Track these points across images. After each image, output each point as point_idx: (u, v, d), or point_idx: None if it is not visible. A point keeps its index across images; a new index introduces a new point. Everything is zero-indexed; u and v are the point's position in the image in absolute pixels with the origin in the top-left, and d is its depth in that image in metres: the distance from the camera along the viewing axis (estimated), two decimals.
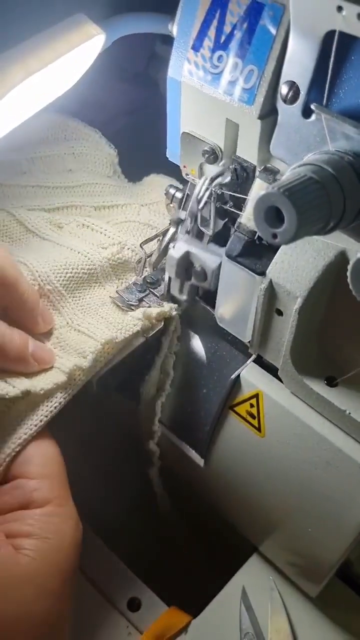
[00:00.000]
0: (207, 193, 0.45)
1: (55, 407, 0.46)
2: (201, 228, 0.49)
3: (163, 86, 0.75)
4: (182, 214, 0.51)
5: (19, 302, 0.46)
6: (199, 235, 0.50)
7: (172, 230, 0.54)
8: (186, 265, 0.50)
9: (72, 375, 0.47)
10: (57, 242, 0.54)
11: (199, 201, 0.45)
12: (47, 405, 0.46)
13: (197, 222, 0.49)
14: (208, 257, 0.49)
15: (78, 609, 0.56)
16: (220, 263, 0.48)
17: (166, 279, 0.52)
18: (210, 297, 0.55)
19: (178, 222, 0.51)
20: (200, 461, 0.56)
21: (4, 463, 0.44)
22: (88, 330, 0.49)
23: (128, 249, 0.55)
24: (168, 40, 0.68)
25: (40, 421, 0.45)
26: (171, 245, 0.51)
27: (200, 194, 0.45)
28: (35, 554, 0.40)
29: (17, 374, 0.46)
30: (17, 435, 0.44)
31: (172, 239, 0.53)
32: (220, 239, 0.49)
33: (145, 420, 0.58)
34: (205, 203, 0.46)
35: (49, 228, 0.56)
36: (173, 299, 0.55)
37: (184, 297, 0.52)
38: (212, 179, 0.44)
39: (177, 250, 0.50)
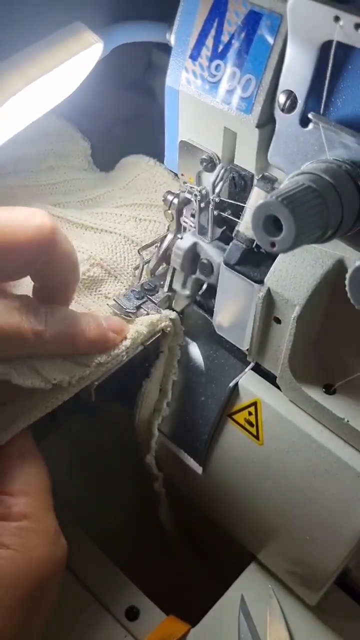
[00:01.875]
0: (217, 188, 0.45)
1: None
2: (199, 236, 0.49)
3: (160, 94, 0.75)
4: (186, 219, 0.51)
5: (86, 343, 0.46)
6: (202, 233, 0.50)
7: (169, 236, 0.54)
8: (192, 257, 0.50)
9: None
10: None
11: (214, 187, 0.45)
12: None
13: (197, 225, 0.49)
14: (215, 250, 0.49)
15: (76, 618, 0.57)
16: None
17: (169, 271, 0.52)
18: (207, 305, 0.55)
19: (186, 201, 0.50)
20: (198, 469, 0.56)
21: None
22: None
23: (97, 264, 0.55)
24: (165, 48, 0.69)
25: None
26: (179, 235, 0.51)
27: (212, 187, 0.45)
28: (4, 564, 0.40)
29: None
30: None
31: (171, 245, 0.53)
32: (224, 237, 0.50)
33: (142, 437, 0.58)
34: (206, 206, 0.46)
35: None
36: (170, 307, 0.55)
37: (186, 291, 0.52)
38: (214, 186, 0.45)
39: (185, 241, 0.50)
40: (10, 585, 0.40)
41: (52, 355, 0.45)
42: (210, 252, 0.49)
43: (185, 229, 0.51)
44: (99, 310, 0.53)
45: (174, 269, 0.52)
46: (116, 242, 0.56)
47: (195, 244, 0.50)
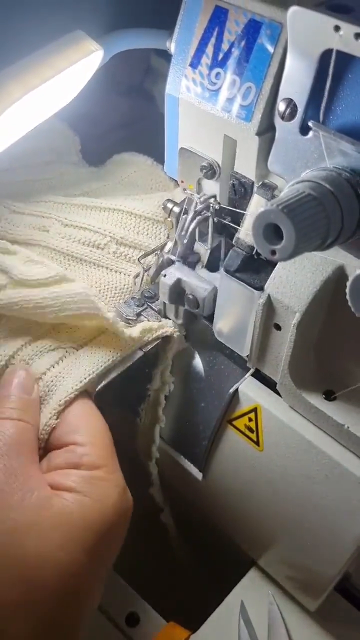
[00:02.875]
0: (217, 195, 0.46)
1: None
2: (199, 243, 0.49)
3: (159, 99, 0.76)
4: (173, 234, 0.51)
5: None
6: (190, 264, 0.51)
7: (169, 244, 0.54)
8: (179, 291, 0.50)
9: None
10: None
11: (209, 199, 0.46)
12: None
13: (196, 233, 0.49)
14: (199, 285, 0.49)
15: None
16: (211, 290, 0.48)
17: (160, 303, 0.52)
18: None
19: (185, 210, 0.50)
20: (198, 475, 0.56)
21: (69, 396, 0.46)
22: None
23: (122, 244, 0.56)
24: (164, 53, 0.69)
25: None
26: (162, 273, 0.51)
27: (212, 194, 0.46)
28: (71, 505, 0.41)
29: None
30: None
31: (170, 252, 0.53)
32: (211, 265, 0.50)
33: (143, 443, 0.58)
34: (198, 221, 0.46)
35: (36, 234, 0.56)
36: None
37: (179, 321, 0.53)
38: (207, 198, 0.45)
39: (168, 278, 0.50)
40: (85, 529, 0.41)
41: None
42: (194, 287, 0.49)
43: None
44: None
45: (164, 302, 0.52)
46: (126, 218, 0.57)
47: (179, 280, 0.50)
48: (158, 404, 0.56)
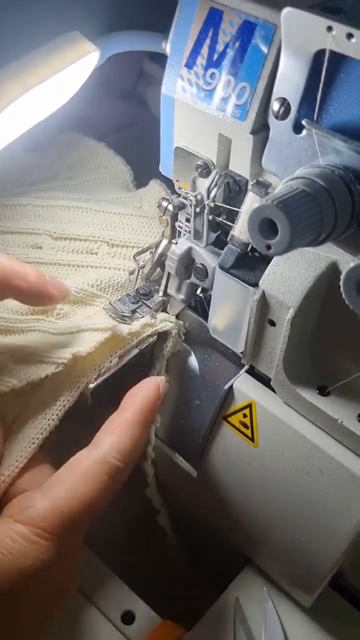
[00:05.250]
0: (211, 194, 0.46)
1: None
2: (194, 241, 0.50)
3: (151, 103, 0.77)
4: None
5: (25, 283, 0.46)
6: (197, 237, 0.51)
7: (164, 242, 0.54)
8: (187, 262, 0.51)
9: (115, 332, 0.50)
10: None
11: (209, 192, 0.46)
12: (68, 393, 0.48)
13: (192, 230, 0.49)
14: (210, 255, 0.50)
15: (72, 622, 0.57)
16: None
17: (164, 276, 0.53)
18: (202, 308, 0.56)
19: (181, 206, 0.51)
20: (193, 472, 0.57)
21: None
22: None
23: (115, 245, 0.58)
24: (156, 57, 0.70)
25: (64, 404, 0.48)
26: (174, 241, 0.51)
27: (207, 192, 0.46)
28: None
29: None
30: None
31: (165, 250, 0.54)
32: (218, 243, 0.50)
33: None
34: (200, 211, 0.47)
35: (31, 252, 0.57)
36: (165, 311, 0.56)
37: (181, 296, 0.53)
38: (208, 191, 0.46)
39: (179, 246, 0.50)
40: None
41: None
42: (205, 256, 0.50)
43: (180, 233, 0.52)
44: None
45: (169, 274, 0.53)
46: (110, 218, 0.59)
47: (190, 249, 0.51)
48: None
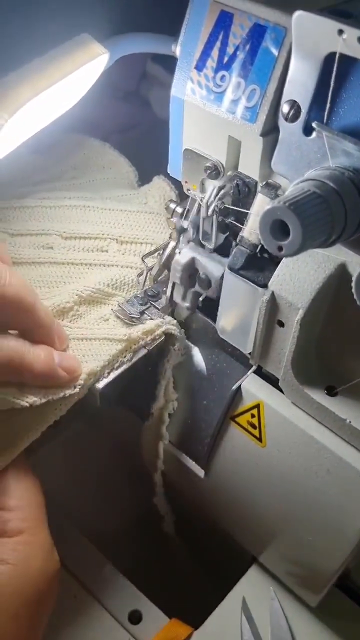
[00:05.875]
0: (215, 201, 0.46)
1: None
2: (203, 242, 0.50)
3: (155, 104, 0.77)
4: (185, 223, 0.52)
5: (37, 324, 0.47)
6: (203, 244, 0.51)
7: (172, 244, 0.55)
8: (191, 271, 0.51)
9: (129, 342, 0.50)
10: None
11: (207, 206, 0.46)
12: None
13: (200, 231, 0.50)
14: (213, 265, 0.50)
15: (79, 622, 0.57)
16: (224, 272, 0.49)
17: (170, 284, 0.53)
18: (209, 309, 0.56)
19: (181, 231, 0.52)
20: (200, 472, 0.57)
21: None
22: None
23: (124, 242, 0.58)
24: (159, 59, 0.70)
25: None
26: (177, 251, 0.52)
27: (211, 200, 0.46)
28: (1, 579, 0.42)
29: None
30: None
31: (173, 252, 0.54)
32: (222, 249, 0.50)
33: (147, 457, 0.58)
34: (212, 212, 0.47)
35: (42, 253, 0.57)
36: (173, 313, 0.56)
37: (186, 304, 0.54)
38: (220, 189, 0.46)
39: (183, 256, 0.51)
40: (11, 596, 0.42)
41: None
42: (208, 266, 0.50)
43: (184, 238, 0.52)
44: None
45: (174, 283, 0.53)
46: (117, 215, 0.59)
47: (193, 259, 0.51)
48: (162, 422, 0.56)
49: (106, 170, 0.67)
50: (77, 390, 0.48)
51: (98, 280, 0.54)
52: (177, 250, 0.52)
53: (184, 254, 0.51)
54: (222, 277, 0.49)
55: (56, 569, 0.46)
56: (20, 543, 0.44)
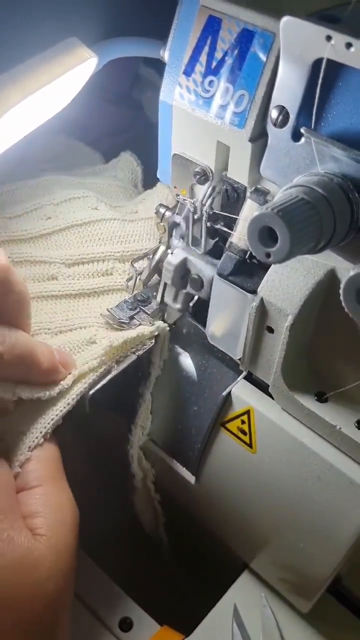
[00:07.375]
0: (204, 207, 0.46)
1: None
2: (192, 247, 0.50)
3: (147, 108, 0.77)
4: (177, 218, 0.51)
5: (39, 372, 0.47)
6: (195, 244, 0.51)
7: (162, 248, 0.54)
8: (183, 272, 0.51)
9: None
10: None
11: (202, 204, 0.46)
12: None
13: (190, 236, 0.49)
14: (205, 266, 0.50)
15: (69, 630, 0.56)
16: (214, 277, 0.48)
17: (161, 286, 0.53)
18: (199, 314, 0.56)
19: (173, 227, 0.51)
20: (191, 478, 0.57)
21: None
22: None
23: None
24: (152, 62, 0.70)
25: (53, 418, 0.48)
26: (169, 251, 0.51)
27: (199, 205, 0.46)
28: (45, 533, 0.42)
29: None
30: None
31: (163, 256, 0.54)
32: (215, 251, 0.50)
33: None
34: (200, 217, 0.47)
35: (48, 285, 0.57)
36: (163, 318, 0.56)
37: (177, 305, 0.53)
38: (209, 195, 0.45)
39: (175, 257, 0.50)
40: (61, 549, 0.43)
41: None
42: (201, 267, 0.50)
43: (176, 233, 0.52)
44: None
45: (165, 284, 0.53)
46: (114, 227, 0.59)
47: (185, 260, 0.51)
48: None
49: (82, 167, 0.67)
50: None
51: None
52: (169, 251, 0.52)
53: (176, 255, 0.51)
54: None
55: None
56: (46, 492, 0.45)
